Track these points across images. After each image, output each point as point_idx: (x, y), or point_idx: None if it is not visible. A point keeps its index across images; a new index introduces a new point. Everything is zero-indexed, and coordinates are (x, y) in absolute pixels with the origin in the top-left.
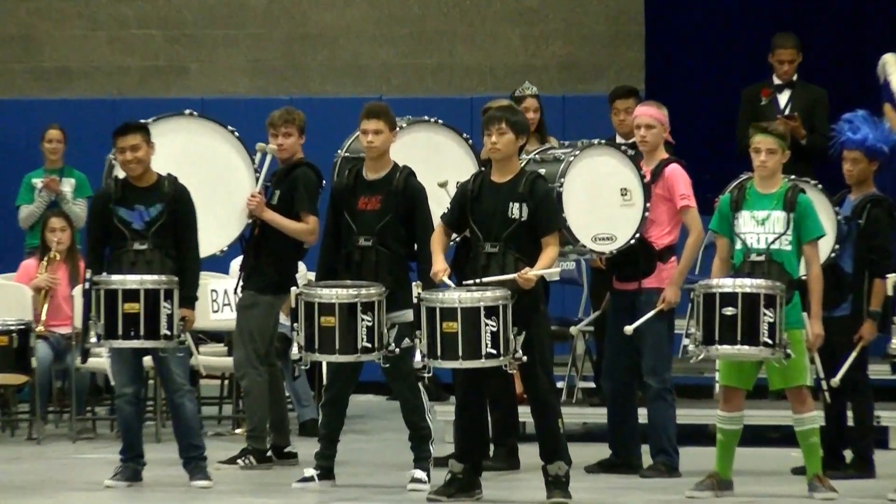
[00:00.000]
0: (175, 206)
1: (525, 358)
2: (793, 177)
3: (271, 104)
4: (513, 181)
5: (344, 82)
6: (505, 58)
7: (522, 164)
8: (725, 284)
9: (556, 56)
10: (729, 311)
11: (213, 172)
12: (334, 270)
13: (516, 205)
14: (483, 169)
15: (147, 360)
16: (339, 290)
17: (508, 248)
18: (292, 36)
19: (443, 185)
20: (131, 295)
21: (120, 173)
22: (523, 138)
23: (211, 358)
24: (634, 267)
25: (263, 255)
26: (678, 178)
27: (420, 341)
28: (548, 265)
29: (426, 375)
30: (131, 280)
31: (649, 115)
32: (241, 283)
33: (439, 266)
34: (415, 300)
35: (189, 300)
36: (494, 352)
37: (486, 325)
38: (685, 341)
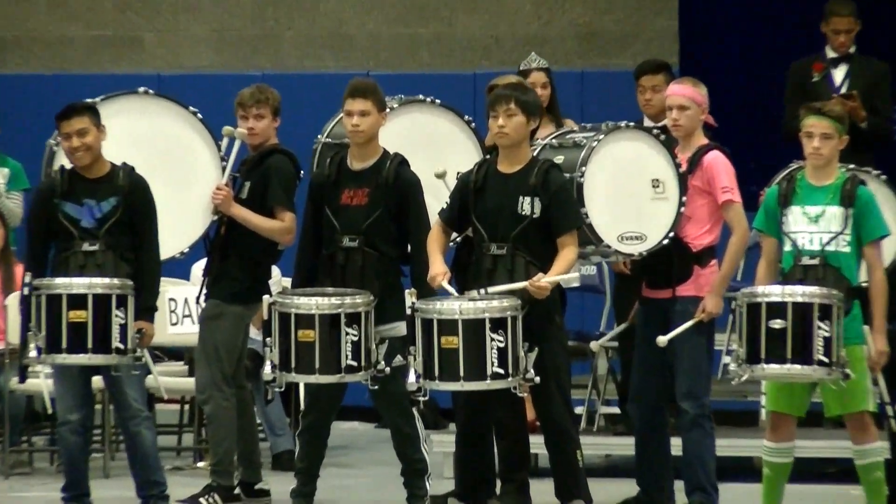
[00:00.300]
0: (131, 200)
1: (537, 379)
2: (851, 166)
3: (240, 81)
4: (523, 171)
5: (324, 55)
6: (514, 27)
7: (535, 152)
8: (773, 293)
9: (573, 24)
10: (777, 323)
11: (171, 161)
12: (314, 276)
13: (527, 199)
14: (488, 157)
15: (97, 381)
16: (320, 300)
17: (518, 249)
18: (264, 0)
19: (440, 175)
20: (78, 301)
21: (65, 162)
22: (535, 121)
23: (169, 379)
24: (667, 272)
25: (231, 257)
26: (720, 167)
27: (414, 359)
28: (564, 270)
29: (421, 399)
30: (78, 284)
31: (683, 95)
32: (204, 291)
33: (438, 268)
34: (408, 311)
35: (147, 310)
36: (502, 371)
37: (493, 340)
38: (726, 359)
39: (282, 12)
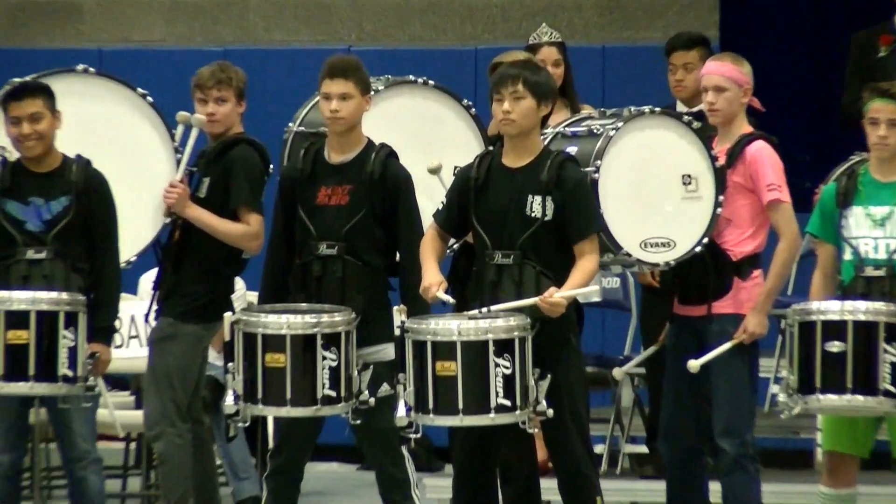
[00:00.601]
0: (87, 199)
1: (550, 412)
2: None
3: (198, 57)
4: (533, 165)
5: (297, 27)
6: None
7: (546, 142)
8: (830, 309)
9: None
10: (835, 346)
11: (115, 153)
12: (285, 289)
13: (538, 198)
14: (492, 148)
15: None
16: (292, 318)
17: (527, 257)
18: None
19: (434, 170)
20: (18, 319)
21: (10, 153)
22: (547, 105)
23: (115, 412)
24: (702, 284)
25: (186, 267)
26: (765, 160)
27: (405, 389)
28: (582, 283)
29: (413, 437)
30: (19, 298)
31: (721, 74)
32: (155, 308)
33: (432, 278)
34: (397, 331)
35: (103, 331)
36: (508, 403)
37: (497, 365)
38: (774, 389)
39: None
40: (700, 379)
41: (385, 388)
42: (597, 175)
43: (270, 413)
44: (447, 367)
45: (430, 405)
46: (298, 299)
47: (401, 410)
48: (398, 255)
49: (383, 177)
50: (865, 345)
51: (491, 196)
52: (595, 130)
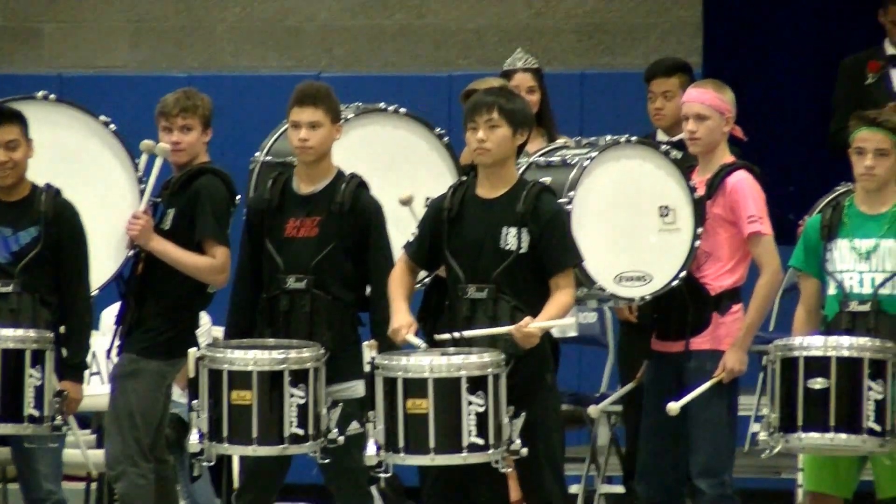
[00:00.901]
0: (56, 230)
1: (525, 451)
2: None
3: (162, 84)
4: (508, 196)
5: (266, 53)
6: (498, 18)
7: (521, 171)
8: (813, 345)
9: (571, 16)
10: (818, 383)
11: (76, 183)
12: (251, 324)
13: (513, 230)
14: (465, 178)
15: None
16: (259, 353)
17: (501, 292)
18: None
19: (406, 202)
20: None
21: None
22: (523, 134)
23: (73, 451)
24: (680, 320)
25: (150, 302)
26: (746, 191)
27: (374, 427)
28: (558, 315)
29: (383, 476)
30: None
31: (702, 102)
32: (117, 343)
33: (401, 319)
34: (367, 367)
35: (74, 368)
36: (481, 442)
37: (471, 403)
38: (755, 427)
39: (214, 0)
40: (679, 417)
41: (354, 426)
42: (570, 206)
43: (236, 452)
44: (418, 404)
45: (401, 443)
46: (265, 334)
47: (370, 449)
48: (368, 288)
49: (353, 208)
50: (849, 382)
51: (464, 228)
52: (569, 160)
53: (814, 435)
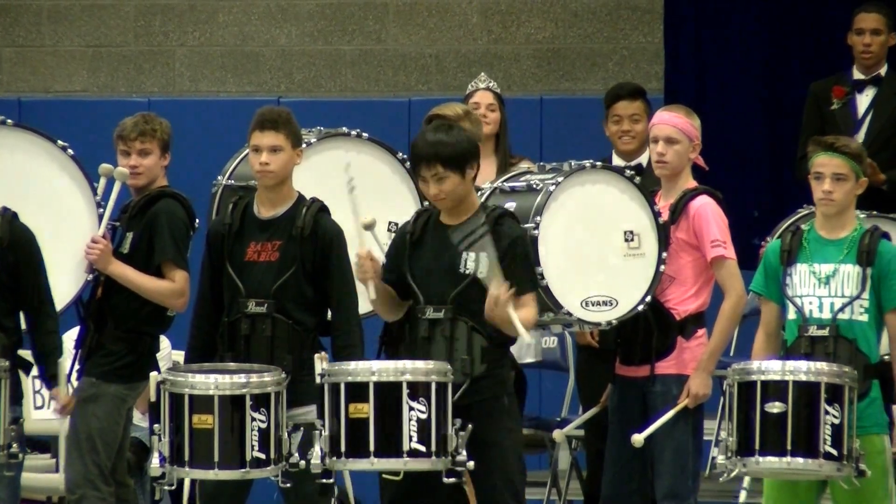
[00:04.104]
0: (13, 255)
1: (471, 464)
2: (874, 213)
3: (121, 108)
4: (469, 221)
5: (225, 77)
6: (458, 43)
7: (483, 197)
8: (770, 369)
9: (531, 41)
10: (775, 407)
11: (34, 208)
12: (212, 348)
13: (472, 255)
14: (428, 204)
15: None
16: (220, 378)
17: (459, 313)
18: (150, 8)
19: (369, 226)
20: None
21: None
22: (474, 166)
23: (33, 475)
24: (645, 344)
25: (109, 326)
26: (709, 216)
27: (320, 434)
28: (526, 321)
29: (326, 482)
30: None
31: (673, 125)
32: (77, 367)
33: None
34: (318, 379)
35: (55, 377)
36: (423, 449)
37: (412, 409)
38: (714, 451)
39: (172, 24)
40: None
41: (316, 452)
42: (536, 232)
43: (197, 476)
44: (360, 408)
45: (343, 448)
46: (226, 358)
47: (316, 455)
48: (330, 313)
49: (314, 232)
50: (806, 406)
51: (425, 252)
52: (534, 185)
53: (771, 459)
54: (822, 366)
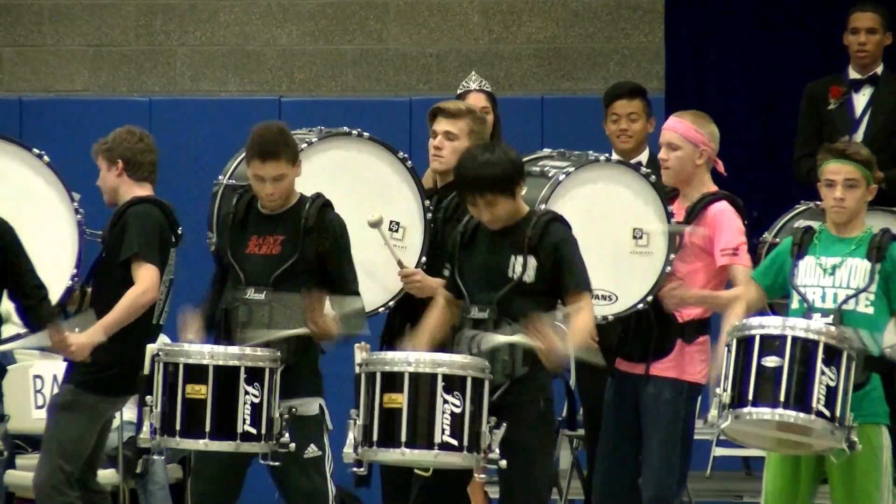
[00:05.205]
0: None
1: (503, 463)
2: (874, 207)
3: (122, 108)
4: (517, 226)
5: (226, 77)
6: (458, 43)
7: None
8: (770, 324)
9: (531, 40)
10: (771, 361)
11: (9, 213)
12: (211, 325)
13: (519, 258)
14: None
15: None
16: (215, 348)
17: (503, 314)
18: (151, 8)
19: (375, 224)
20: None
21: None
22: (520, 183)
23: (29, 474)
24: (643, 342)
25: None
26: (724, 223)
27: (354, 423)
28: (581, 339)
29: (359, 472)
30: None
31: (675, 131)
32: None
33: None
34: (357, 369)
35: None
36: (454, 442)
37: (446, 402)
38: (716, 451)
39: (173, 24)
40: (638, 436)
41: (313, 450)
42: None
43: (188, 446)
44: (394, 398)
45: (375, 437)
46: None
47: (349, 445)
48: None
49: (319, 224)
50: (802, 363)
51: (475, 253)
52: (546, 171)
53: (763, 410)
54: (822, 326)
